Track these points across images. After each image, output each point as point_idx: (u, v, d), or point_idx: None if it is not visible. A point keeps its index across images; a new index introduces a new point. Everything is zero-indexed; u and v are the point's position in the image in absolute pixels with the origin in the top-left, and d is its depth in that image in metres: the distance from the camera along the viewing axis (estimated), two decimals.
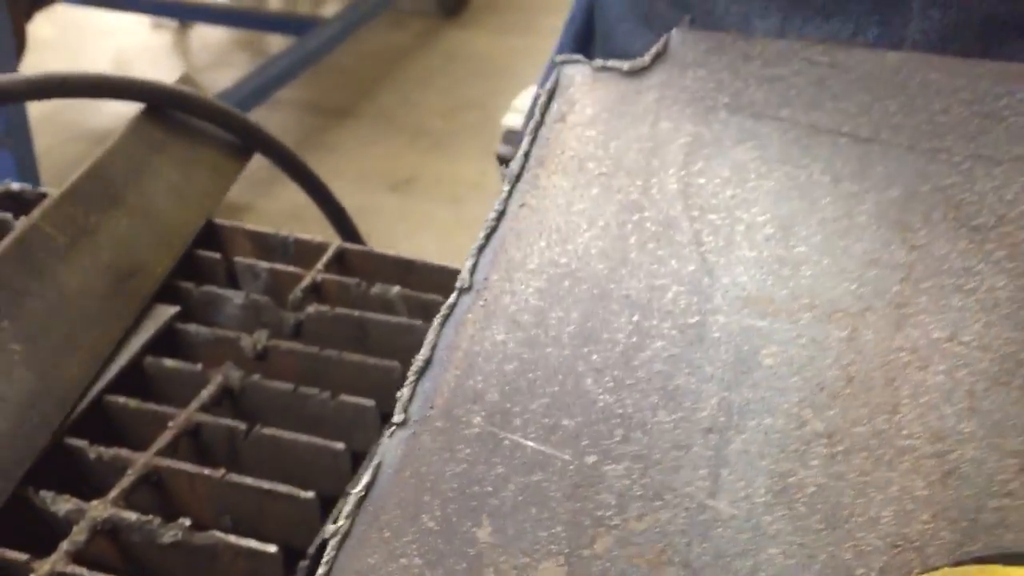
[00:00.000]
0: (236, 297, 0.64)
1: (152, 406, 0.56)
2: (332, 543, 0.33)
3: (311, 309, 0.63)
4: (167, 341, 0.61)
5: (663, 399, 0.34)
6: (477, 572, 0.31)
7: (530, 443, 0.34)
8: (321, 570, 0.32)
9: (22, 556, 0.47)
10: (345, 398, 0.56)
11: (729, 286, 0.37)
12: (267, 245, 0.69)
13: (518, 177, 0.41)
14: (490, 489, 0.33)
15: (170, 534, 0.48)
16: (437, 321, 0.37)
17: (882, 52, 0.42)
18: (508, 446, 0.34)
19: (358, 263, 0.68)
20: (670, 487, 0.32)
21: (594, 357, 0.35)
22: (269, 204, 2.11)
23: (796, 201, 0.39)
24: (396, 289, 0.65)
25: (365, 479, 0.34)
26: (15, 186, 0.72)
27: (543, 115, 0.43)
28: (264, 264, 0.67)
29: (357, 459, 0.55)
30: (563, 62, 0.44)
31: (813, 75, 0.42)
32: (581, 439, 0.34)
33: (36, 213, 0.59)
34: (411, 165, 2.21)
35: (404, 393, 0.36)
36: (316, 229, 0.75)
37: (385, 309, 0.64)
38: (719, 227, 0.38)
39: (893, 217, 0.38)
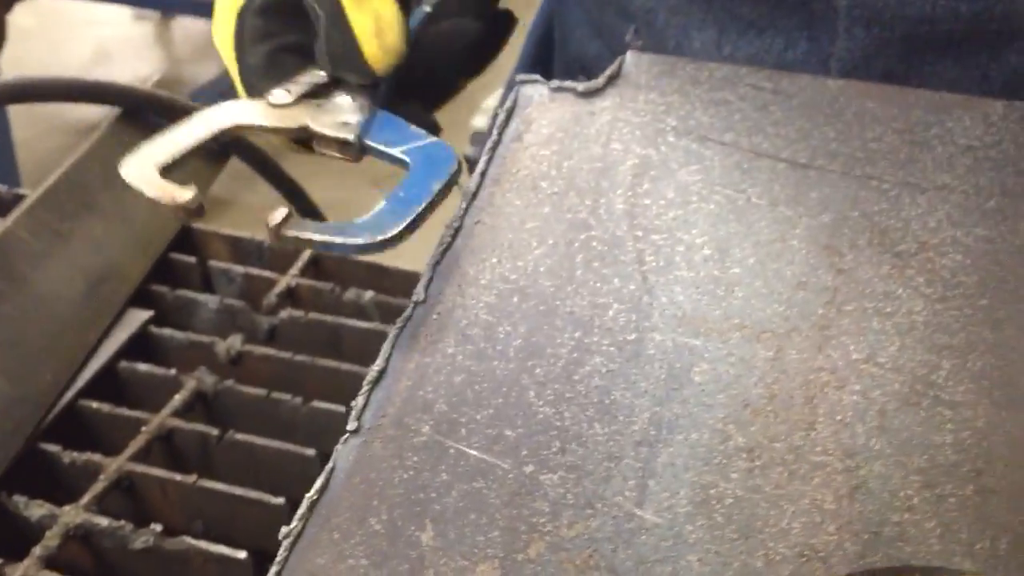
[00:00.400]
0: (211, 301, 0.64)
1: (125, 411, 0.56)
2: (284, 544, 0.34)
3: (285, 314, 0.64)
4: (141, 345, 0.61)
5: (599, 412, 0.36)
6: (419, 573, 0.33)
7: (473, 452, 0.35)
8: (273, 569, 0.34)
9: None
10: (317, 404, 0.57)
11: (667, 305, 0.38)
12: (242, 249, 0.70)
13: (474, 195, 0.42)
14: (434, 495, 0.35)
15: (141, 540, 0.49)
16: (393, 333, 0.39)
17: (823, 80, 0.44)
18: (453, 454, 0.35)
19: (333, 268, 0.69)
20: (601, 496, 0.34)
21: (537, 371, 0.37)
22: (251, 199, 2.10)
23: (734, 224, 0.40)
24: (370, 294, 0.65)
25: (318, 483, 0.35)
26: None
27: (500, 134, 0.44)
28: (239, 268, 0.67)
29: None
30: (521, 82, 0.46)
31: (757, 100, 0.43)
32: (521, 449, 0.35)
33: (10, 219, 0.59)
34: None
35: (359, 402, 0.37)
36: None
37: (358, 314, 0.65)
38: (661, 247, 0.40)
39: (823, 242, 0.39)
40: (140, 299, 0.64)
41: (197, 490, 0.52)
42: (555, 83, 0.45)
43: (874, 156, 0.41)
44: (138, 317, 0.62)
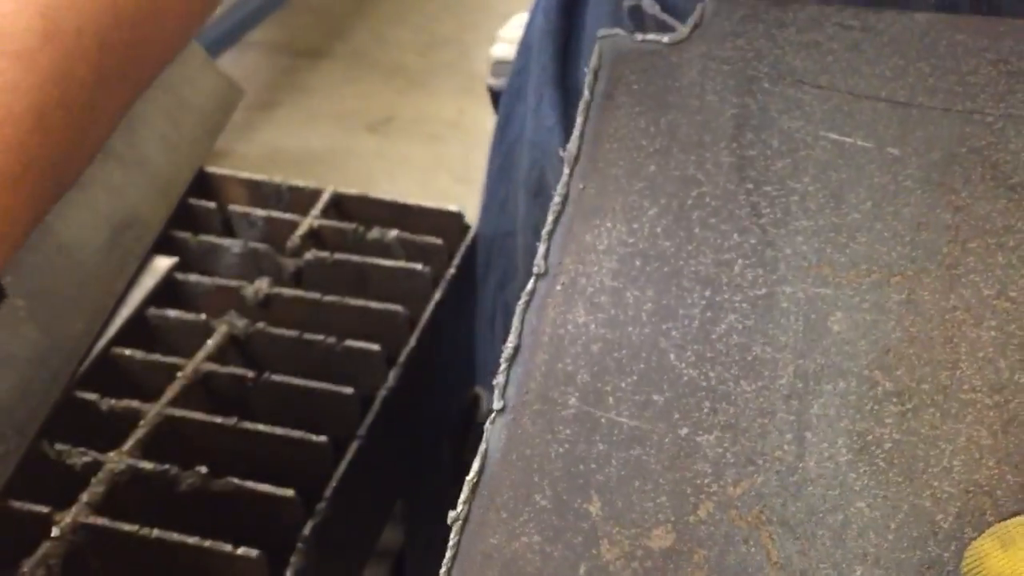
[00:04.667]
0: (234, 246, 0.64)
1: (159, 357, 0.56)
2: (455, 528, 0.35)
3: (310, 255, 0.63)
4: (168, 292, 0.61)
5: (743, 370, 0.36)
6: (593, 544, 0.34)
7: (625, 420, 0.36)
8: (448, 553, 0.34)
9: (43, 508, 0.48)
10: (351, 343, 0.57)
11: (791, 256, 0.38)
12: (261, 192, 0.69)
13: (576, 158, 0.42)
14: (594, 466, 0.35)
15: (188, 481, 0.49)
16: (519, 307, 0.39)
17: (910, 14, 0.43)
18: (605, 424, 0.36)
19: (354, 208, 0.68)
20: (760, 452, 0.35)
21: (674, 333, 0.37)
22: (247, 148, 2.08)
23: (844, 169, 0.40)
24: (394, 233, 0.65)
25: (475, 465, 0.36)
26: None
27: (592, 93, 0.43)
28: (260, 212, 0.67)
29: (365, 403, 0.55)
30: (603, 37, 0.45)
31: (847, 40, 0.42)
32: (672, 413, 0.36)
33: None
34: (388, 105, 2.19)
35: (499, 380, 0.37)
36: (293, 172, 0.75)
37: (383, 253, 0.64)
38: (775, 198, 0.40)
39: (936, 180, 0.39)
40: (163, 246, 0.63)
41: (239, 432, 0.52)
42: (639, 36, 0.44)
43: (973, 90, 0.41)
44: (163, 264, 0.62)
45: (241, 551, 0.46)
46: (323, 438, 0.52)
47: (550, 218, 0.40)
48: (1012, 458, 0.33)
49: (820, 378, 0.36)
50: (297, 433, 0.52)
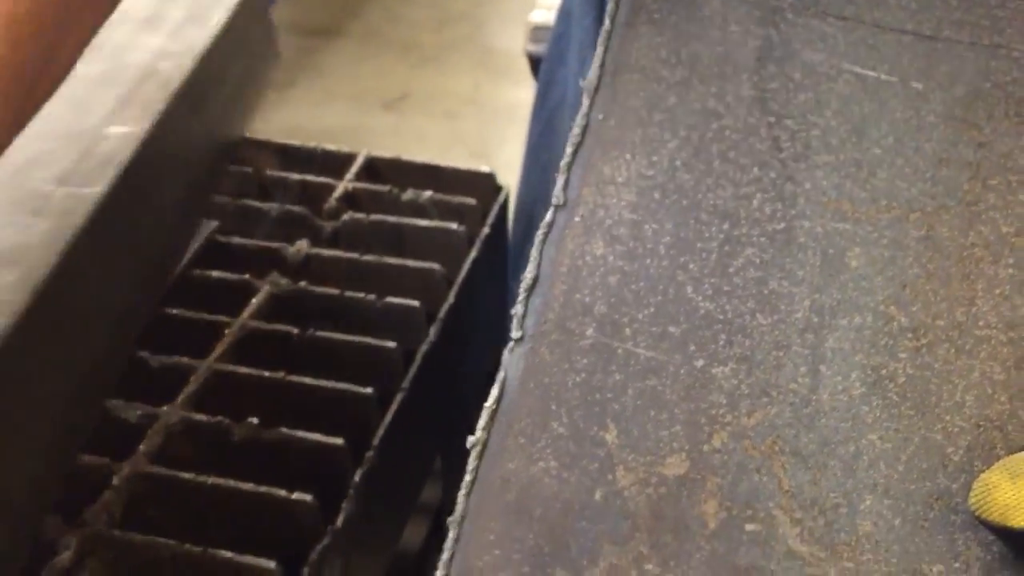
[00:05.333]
0: (272, 209, 0.65)
1: (206, 315, 0.57)
2: (473, 453, 0.35)
3: (347, 217, 0.65)
4: (210, 253, 0.62)
5: (759, 303, 0.37)
6: (609, 470, 0.34)
7: (641, 351, 0.36)
8: (468, 477, 0.35)
9: (103, 460, 0.49)
10: (391, 300, 0.58)
11: (811, 191, 0.39)
12: (294, 157, 0.70)
13: (596, 88, 0.42)
14: (611, 395, 0.36)
15: (241, 431, 0.51)
16: (538, 239, 0.39)
17: None
18: (622, 355, 0.36)
19: (387, 171, 0.69)
20: (775, 385, 0.35)
21: (691, 266, 0.38)
22: (264, 128, 2.10)
23: (866, 103, 0.40)
24: (428, 194, 0.66)
25: (494, 393, 0.36)
26: None
27: (612, 22, 0.43)
28: (295, 176, 0.68)
29: (408, 356, 0.57)
30: None
31: None
32: (688, 344, 0.36)
33: None
34: (403, 82, 2.19)
35: (518, 310, 0.38)
36: None
37: (417, 214, 0.65)
38: (796, 132, 0.40)
39: (959, 115, 0.39)
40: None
41: (287, 385, 0.54)
42: None
43: (1000, 24, 0.40)
44: (206, 226, 0.63)
45: (296, 495, 0.48)
46: (369, 390, 0.53)
47: (568, 149, 0.40)
48: None
49: (836, 312, 0.36)
50: (344, 385, 0.53)
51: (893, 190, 0.38)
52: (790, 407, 0.35)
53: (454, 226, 0.64)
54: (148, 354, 0.55)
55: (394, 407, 0.54)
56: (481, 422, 0.36)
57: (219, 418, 0.51)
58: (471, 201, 0.66)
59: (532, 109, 0.70)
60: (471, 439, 0.35)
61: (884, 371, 0.35)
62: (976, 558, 0.32)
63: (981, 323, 0.35)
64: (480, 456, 0.35)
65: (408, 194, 0.66)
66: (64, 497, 0.48)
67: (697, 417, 0.35)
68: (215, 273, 0.60)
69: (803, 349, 0.36)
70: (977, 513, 0.31)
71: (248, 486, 0.48)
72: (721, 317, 0.36)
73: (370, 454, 0.51)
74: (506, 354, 0.37)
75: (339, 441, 0.50)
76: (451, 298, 0.60)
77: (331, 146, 0.70)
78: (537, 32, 0.81)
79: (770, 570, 0.33)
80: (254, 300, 0.58)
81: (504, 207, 0.68)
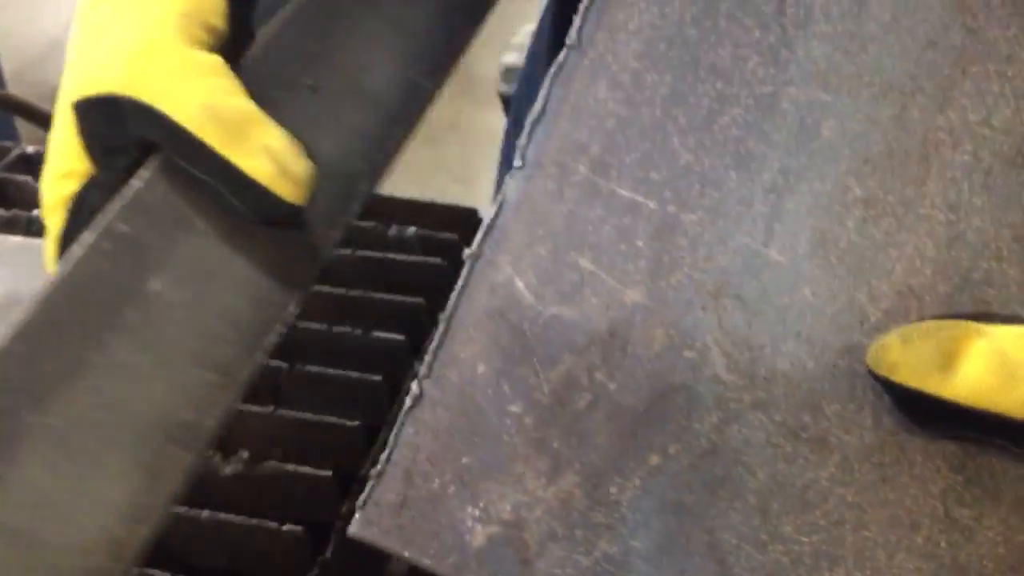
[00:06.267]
0: None
1: None
2: (468, 263, 0.40)
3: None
4: None
5: (735, 160, 0.39)
6: (578, 291, 0.39)
7: (624, 191, 0.40)
8: (459, 284, 0.40)
9: None
10: (377, 334, 0.60)
11: (803, 59, 0.40)
12: None
13: None
14: (590, 228, 0.39)
15: (231, 466, 0.52)
16: (549, 75, 0.41)
17: None
18: (606, 193, 0.40)
19: (374, 206, 0.71)
20: (732, 236, 0.39)
21: (681, 119, 0.40)
22: None
23: None
24: (412, 230, 0.68)
25: (492, 212, 0.40)
26: (30, 149, 0.74)
27: None
28: None
29: (394, 390, 0.58)
30: None
31: None
32: (665, 190, 0.39)
33: None
34: None
35: (522, 142, 0.41)
36: None
37: (403, 249, 0.67)
38: None
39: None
40: None
41: (276, 419, 0.55)
42: None
43: None
44: None
45: (286, 528, 0.49)
46: (355, 422, 0.55)
47: None
48: (947, 271, 0.37)
49: (800, 177, 0.39)
50: (331, 418, 0.55)
51: (879, 67, 0.39)
52: (742, 257, 0.38)
53: (438, 261, 0.65)
54: None
55: (381, 439, 0.56)
56: (478, 238, 0.40)
57: (209, 452, 0.52)
58: (453, 237, 0.68)
59: (502, 147, 0.72)
60: (467, 251, 0.40)
61: (830, 235, 0.38)
62: (869, 403, 0.36)
63: (927, 202, 0.38)
64: (472, 265, 0.40)
65: (393, 230, 0.68)
66: None
67: (661, 256, 0.39)
68: None
69: (764, 207, 0.39)
70: (870, 366, 0.35)
71: (239, 519, 0.50)
72: (698, 169, 0.39)
73: (357, 485, 0.53)
74: (507, 179, 0.40)
75: (328, 473, 0.52)
76: (435, 332, 0.62)
77: None
78: (509, 73, 0.83)
79: (697, 390, 0.38)
80: None
81: None
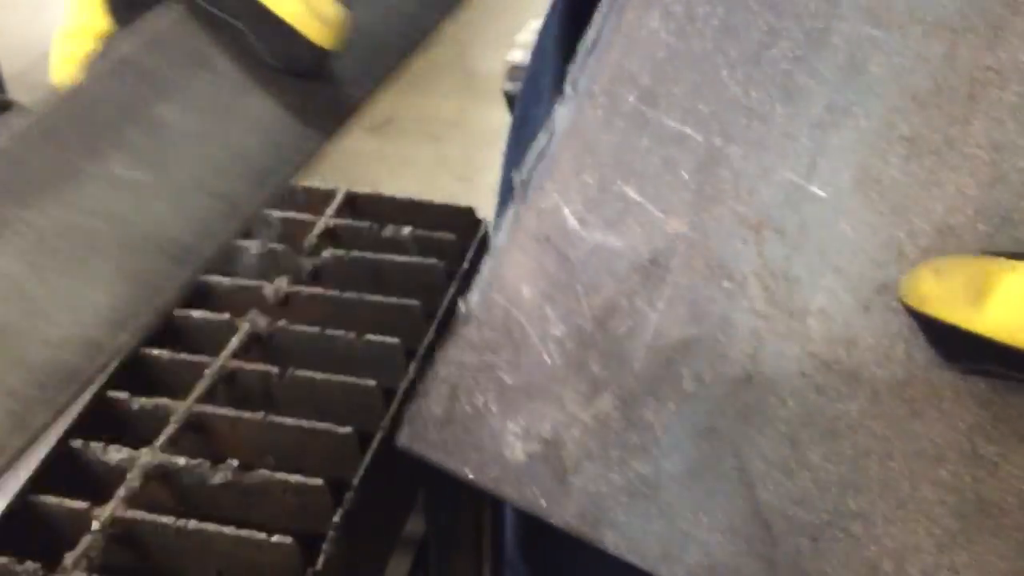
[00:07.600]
0: (252, 246, 0.65)
1: (186, 356, 0.58)
2: (518, 187, 0.40)
3: (327, 254, 0.65)
4: (191, 293, 0.62)
5: (782, 95, 0.39)
6: (623, 220, 0.40)
7: (672, 123, 0.40)
8: (511, 212, 0.40)
9: (82, 504, 0.49)
10: (371, 337, 0.58)
11: None
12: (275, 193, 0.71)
13: None
14: (637, 157, 0.40)
15: (220, 475, 0.51)
16: (604, 4, 0.41)
17: None
18: (654, 123, 0.40)
19: (368, 207, 0.70)
20: (776, 169, 0.39)
21: (731, 52, 0.40)
22: None
23: None
24: (407, 230, 0.67)
25: (542, 139, 0.40)
26: None
27: None
28: (276, 212, 0.68)
29: (388, 394, 0.57)
30: None
31: None
32: (712, 123, 0.39)
33: None
34: (388, 106, 2.20)
35: (574, 68, 0.41)
36: (296, 176, 0.76)
37: (398, 250, 0.66)
38: None
39: None
40: None
41: (267, 425, 0.54)
42: None
43: None
44: None
45: (275, 539, 0.48)
46: (348, 429, 0.53)
47: None
48: (988, 210, 0.37)
49: (846, 113, 0.38)
50: (323, 425, 0.53)
51: (930, 4, 0.39)
52: (784, 191, 0.39)
53: (433, 262, 0.64)
54: (128, 396, 0.55)
55: (374, 445, 0.54)
56: (528, 163, 0.40)
57: (198, 460, 0.51)
58: (451, 236, 0.66)
59: (507, 145, 0.70)
60: (516, 177, 0.40)
61: (872, 172, 0.38)
62: (903, 339, 0.37)
63: (971, 142, 0.37)
64: (525, 189, 0.40)
65: (388, 230, 0.67)
66: (42, 543, 0.48)
67: (705, 187, 0.39)
68: (195, 313, 0.60)
69: (808, 143, 0.39)
70: (901, 297, 0.35)
71: (228, 529, 0.48)
72: (745, 102, 0.39)
73: (350, 494, 0.51)
74: (558, 106, 0.41)
75: (319, 482, 0.51)
76: (431, 335, 0.61)
77: (311, 182, 0.71)
78: (515, 71, 0.82)
79: (734, 319, 0.38)
80: (234, 340, 0.58)
81: (484, 242, 0.68)
